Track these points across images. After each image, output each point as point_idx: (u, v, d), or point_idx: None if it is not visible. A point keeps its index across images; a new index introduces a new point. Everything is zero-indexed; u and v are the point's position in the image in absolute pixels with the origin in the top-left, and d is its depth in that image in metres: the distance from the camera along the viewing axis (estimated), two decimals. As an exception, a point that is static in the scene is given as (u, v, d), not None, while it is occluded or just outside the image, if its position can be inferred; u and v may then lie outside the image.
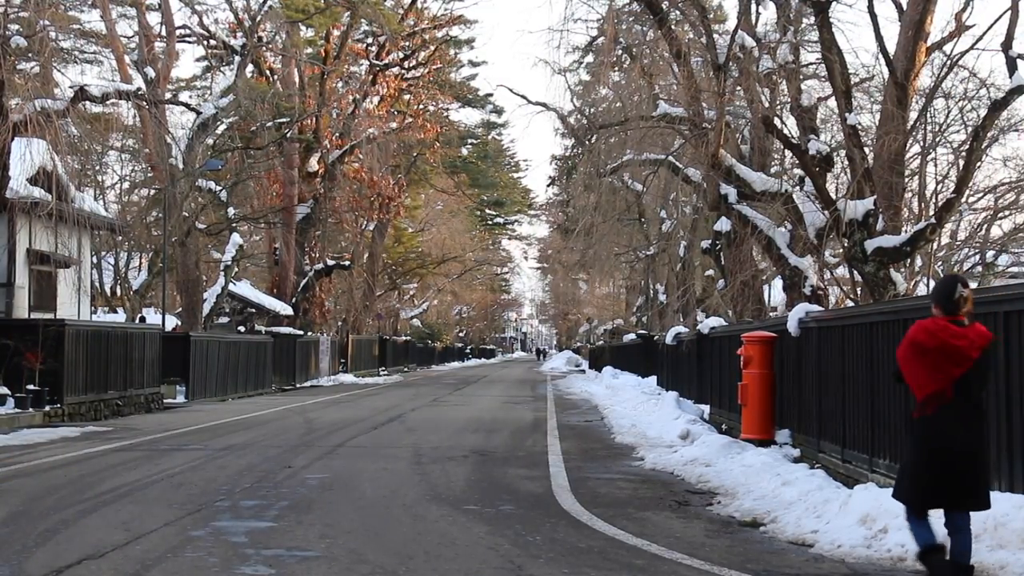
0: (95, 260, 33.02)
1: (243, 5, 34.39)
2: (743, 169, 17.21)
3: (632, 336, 42.40)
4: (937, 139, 25.37)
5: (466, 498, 9.97)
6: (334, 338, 47.55)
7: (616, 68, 24.56)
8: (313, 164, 43.46)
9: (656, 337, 32.76)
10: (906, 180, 20.96)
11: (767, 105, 17.65)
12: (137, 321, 30.77)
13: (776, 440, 13.28)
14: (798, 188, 17.00)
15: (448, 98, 53.68)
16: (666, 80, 22.85)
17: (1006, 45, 14.96)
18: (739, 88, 18.22)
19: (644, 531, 8.30)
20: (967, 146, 18.61)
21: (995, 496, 6.98)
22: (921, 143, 22.50)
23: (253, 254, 49.71)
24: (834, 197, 16.02)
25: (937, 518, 6.13)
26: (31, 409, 18.50)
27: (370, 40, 47.99)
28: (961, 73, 21.06)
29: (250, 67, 36.10)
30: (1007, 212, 29.65)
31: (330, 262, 44.86)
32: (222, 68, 33.31)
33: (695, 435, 14.80)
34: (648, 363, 33.27)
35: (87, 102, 23.28)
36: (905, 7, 16.48)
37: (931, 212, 20.88)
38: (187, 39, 36.52)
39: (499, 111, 67.18)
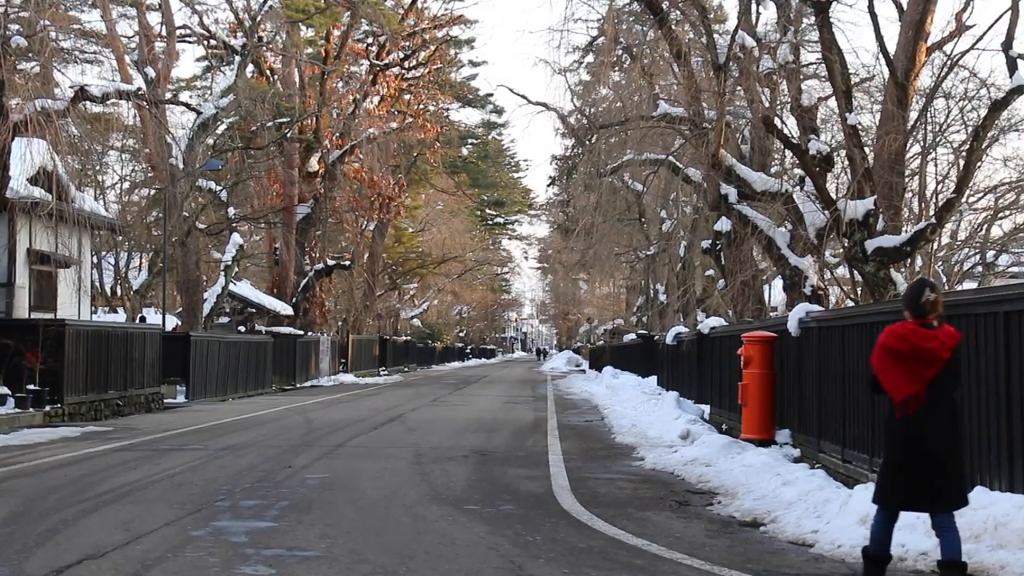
0: (95, 260, 33.02)
1: (243, 5, 34.41)
2: (743, 169, 17.21)
3: (632, 336, 42.41)
4: (937, 139, 25.41)
5: (466, 498, 9.97)
6: (334, 338, 47.55)
7: (616, 68, 24.56)
8: (313, 164, 43.47)
9: (656, 337, 32.77)
10: (906, 180, 20.98)
11: (767, 105, 17.65)
12: (137, 321, 30.78)
13: (776, 440, 13.28)
14: (798, 188, 17.00)
15: (448, 98, 53.68)
16: (666, 80, 22.85)
17: (1006, 45, 14.97)
18: (739, 88, 18.22)
19: (644, 531, 8.30)
20: (967, 146, 18.63)
21: (995, 496, 7.00)
22: (921, 143, 22.54)
23: (253, 254, 49.72)
24: (834, 197, 16.02)
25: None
26: (31, 409, 18.50)
27: (370, 40, 48.01)
28: (961, 73, 21.11)
29: (250, 67, 36.11)
30: (1007, 212, 29.66)
31: (330, 262, 44.87)
32: (222, 68, 33.31)
33: (695, 435, 14.80)
34: (648, 363, 33.27)
35: (87, 102, 23.28)
36: (905, 7, 16.47)
37: (931, 212, 20.91)
38: (187, 39, 36.54)
39: (499, 111, 67.29)
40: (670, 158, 21.57)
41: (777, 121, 17.61)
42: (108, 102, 25.31)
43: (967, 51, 18.11)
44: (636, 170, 25.31)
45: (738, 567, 7.03)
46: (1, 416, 17.49)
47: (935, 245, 25.16)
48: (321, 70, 41.24)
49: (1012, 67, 14.74)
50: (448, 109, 55.63)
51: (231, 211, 36.65)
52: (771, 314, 24.46)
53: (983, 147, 20.66)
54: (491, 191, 73.08)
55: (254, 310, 40.71)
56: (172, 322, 31.85)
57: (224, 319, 38.77)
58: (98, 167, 37.24)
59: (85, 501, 9.59)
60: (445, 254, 64.85)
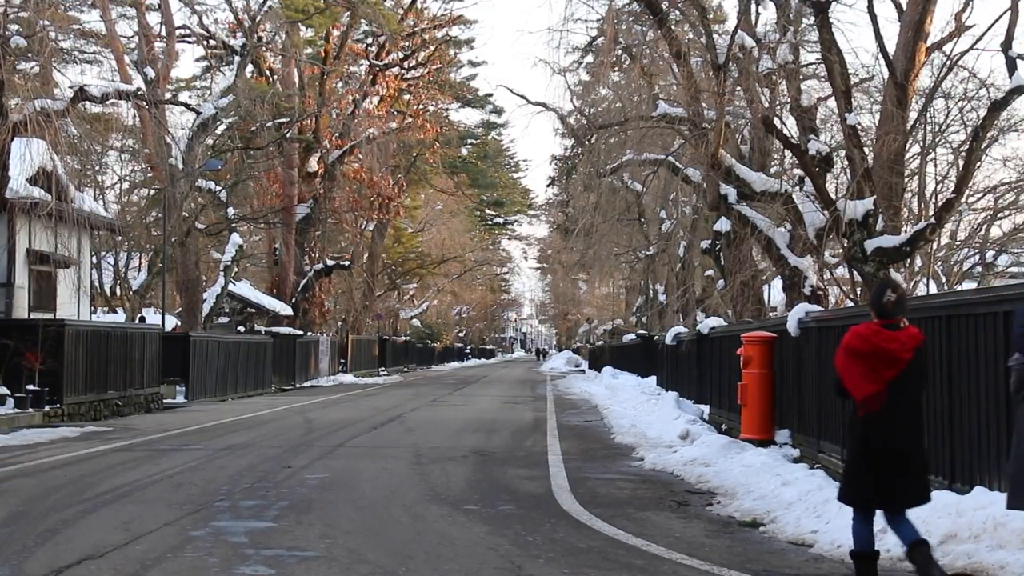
0: (95, 260, 33.00)
1: (243, 5, 34.41)
2: (743, 169, 17.21)
3: (632, 336, 42.40)
4: (937, 139, 25.42)
5: (466, 498, 9.97)
6: (334, 338, 47.55)
7: (616, 68, 24.56)
8: (313, 164, 43.47)
9: (656, 337, 32.77)
10: (906, 180, 20.99)
11: (767, 105, 17.65)
12: (137, 321, 30.77)
13: (776, 440, 13.27)
14: (798, 188, 17.00)
15: (448, 98, 53.69)
16: (666, 80, 22.85)
17: (1006, 45, 14.96)
18: (739, 88, 18.21)
19: (644, 531, 8.30)
20: (967, 146, 18.63)
21: (995, 496, 7.00)
22: (921, 143, 22.53)
23: (253, 254, 49.71)
24: (834, 197, 16.01)
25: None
26: (31, 409, 18.49)
27: (370, 40, 48.02)
28: (961, 73, 21.11)
29: (250, 67, 36.11)
30: (1007, 212, 29.71)
31: (330, 262, 44.86)
32: (222, 68, 33.32)
33: (695, 435, 14.79)
34: (648, 363, 33.27)
35: (87, 102, 23.29)
36: (905, 7, 16.47)
37: (931, 212, 20.91)
38: (187, 39, 36.57)
39: (499, 111, 67.33)
40: (670, 158, 21.57)
41: (777, 121, 17.61)
42: (108, 102, 25.32)
43: (966, 51, 18.09)
44: (636, 170, 25.31)
45: (738, 567, 7.03)
46: (1, 416, 17.48)
47: (935, 245, 25.18)
48: (321, 70, 41.25)
49: (1011, 67, 14.73)
50: (448, 109, 55.70)
51: (231, 211, 36.63)
52: (771, 314, 24.45)
53: (983, 147, 20.69)
54: (491, 191, 73.09)
55: (254, 310, 40.71)
56: (172, 322, 31.84)
57: (224, 319, 38.76)
58: (98, 167, 37.18)
59: (85, 501, 9.59)
60: (445, 254, 64.85)
